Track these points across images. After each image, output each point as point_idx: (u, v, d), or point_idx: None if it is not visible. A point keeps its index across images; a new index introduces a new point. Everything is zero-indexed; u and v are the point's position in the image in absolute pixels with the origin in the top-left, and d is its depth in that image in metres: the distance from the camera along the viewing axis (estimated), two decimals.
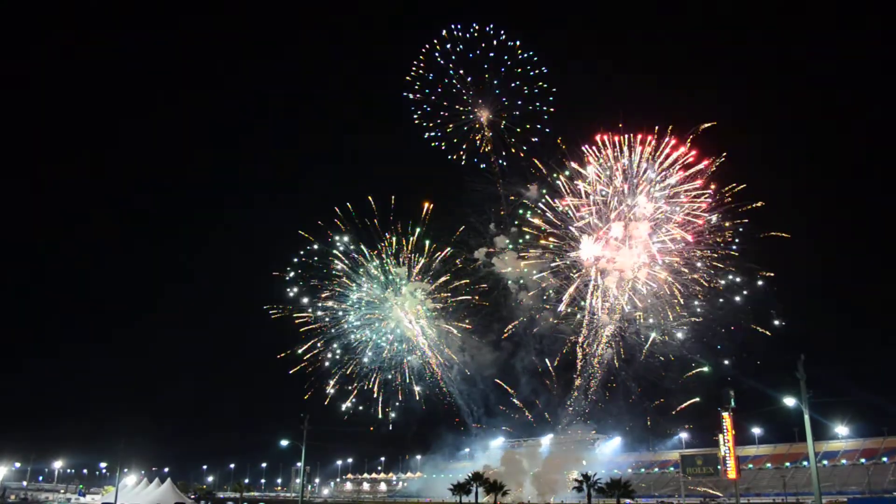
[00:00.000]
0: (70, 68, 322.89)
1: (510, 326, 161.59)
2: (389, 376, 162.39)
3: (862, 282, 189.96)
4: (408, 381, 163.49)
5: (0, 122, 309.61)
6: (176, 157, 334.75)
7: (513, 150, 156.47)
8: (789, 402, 66.87)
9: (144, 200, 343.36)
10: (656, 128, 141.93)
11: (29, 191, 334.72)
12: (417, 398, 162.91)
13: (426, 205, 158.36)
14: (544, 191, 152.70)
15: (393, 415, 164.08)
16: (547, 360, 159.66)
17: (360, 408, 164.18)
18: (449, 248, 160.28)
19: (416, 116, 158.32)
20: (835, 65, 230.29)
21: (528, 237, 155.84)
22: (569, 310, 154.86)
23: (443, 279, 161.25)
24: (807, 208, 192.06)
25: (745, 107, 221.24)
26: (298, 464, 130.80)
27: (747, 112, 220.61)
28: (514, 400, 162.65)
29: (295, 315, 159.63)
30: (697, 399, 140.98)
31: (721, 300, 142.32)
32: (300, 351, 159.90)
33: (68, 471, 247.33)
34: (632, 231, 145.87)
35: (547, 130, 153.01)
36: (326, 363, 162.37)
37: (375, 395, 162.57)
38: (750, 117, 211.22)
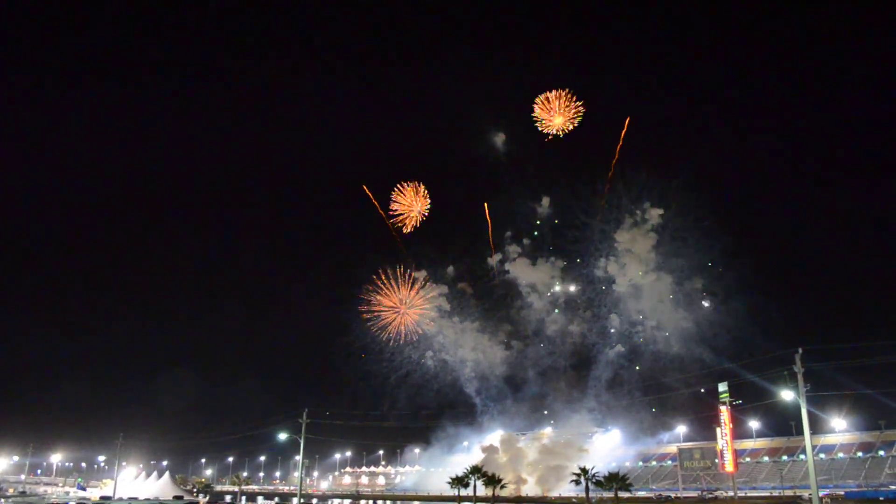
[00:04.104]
0: None
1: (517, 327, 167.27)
2: (404, 372, 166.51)
3: (859, 276, 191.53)
4: (421, 376, 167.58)
5: None
6: None
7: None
8: (787, 395, 67.09)
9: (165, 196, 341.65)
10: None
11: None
12: (429, 393, 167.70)
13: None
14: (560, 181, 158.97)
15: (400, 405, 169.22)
16: (553, 358, 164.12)
17: (370, 400, 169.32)
18: (465, 256, 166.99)
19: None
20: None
21: (540, 246, 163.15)
22: (583, 313, 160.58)
23: (459, 284, 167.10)
24: (802, 207, 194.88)
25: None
26: (297, 457, 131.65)
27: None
28: (521, 394, 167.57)
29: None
30: (697, 392, 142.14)
31: (720, 299, 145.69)
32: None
33: (67, 464, 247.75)
34: (637, 241, 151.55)
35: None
36: (337, 359, 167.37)
37: (387, 390, 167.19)
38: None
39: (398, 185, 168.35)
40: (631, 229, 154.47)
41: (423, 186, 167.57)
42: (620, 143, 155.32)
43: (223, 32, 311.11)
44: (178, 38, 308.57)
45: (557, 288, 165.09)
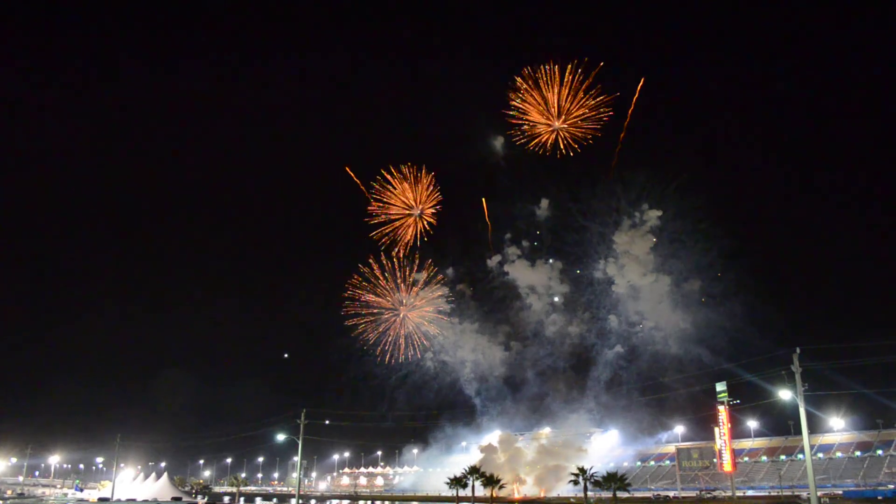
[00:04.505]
0: None
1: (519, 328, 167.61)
2: (403, 373, 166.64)
3: (857, 277, 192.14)
4: (420, 377, 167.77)
5: None
6: None
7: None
8: (785, 395, 67.21)
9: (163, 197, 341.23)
10: None
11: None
12: (429, 393, 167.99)
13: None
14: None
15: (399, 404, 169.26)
16: (553, 358, 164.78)
17: (369, 401, 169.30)
18: (464, 258, 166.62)
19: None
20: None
21: (539, 248, 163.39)
22: (584, 314, 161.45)
23: (459, 285, 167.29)
24: (799, 208, 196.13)
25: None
26: (295, 458, 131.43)
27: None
28: (520, 395, 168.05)
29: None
30: (695, 392, 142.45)
31: (718, 301, 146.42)
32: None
33: (65, 466, 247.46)
34: (636, 243, 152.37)
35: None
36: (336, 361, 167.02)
37: (387, 391, 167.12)
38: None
39: (391, 172, 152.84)
40: (629, 230, 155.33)
41: (425, 173, 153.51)
42: (628, 119, 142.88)
43: (230, 31, 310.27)
44: (173, 30, 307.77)
45: (556, 289, 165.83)
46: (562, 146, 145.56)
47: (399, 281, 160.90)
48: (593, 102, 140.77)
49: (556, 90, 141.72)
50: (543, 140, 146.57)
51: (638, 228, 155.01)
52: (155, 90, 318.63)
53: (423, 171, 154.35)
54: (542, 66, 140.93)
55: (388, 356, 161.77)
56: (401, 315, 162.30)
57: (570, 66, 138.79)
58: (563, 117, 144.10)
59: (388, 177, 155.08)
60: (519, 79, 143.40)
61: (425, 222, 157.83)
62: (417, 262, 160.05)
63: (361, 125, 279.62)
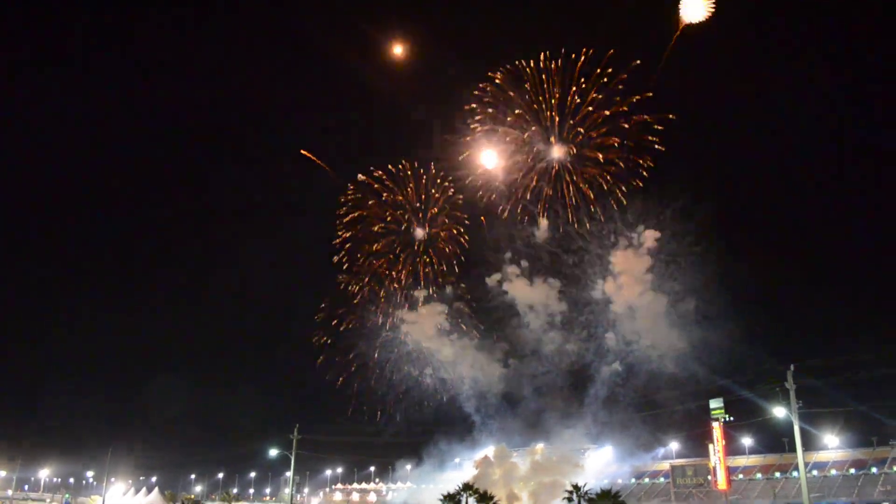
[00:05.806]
0: None
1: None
2: (401, 388, 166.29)
3: (851, 291, 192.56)
4: (418, 393, 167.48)
5: None
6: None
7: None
8: (779, 412, 67.34)
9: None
10: None
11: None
12: (428, 409, 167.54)
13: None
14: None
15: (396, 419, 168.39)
16: (550, 376, 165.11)
17: (365, 416, 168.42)
18: (463, 275, 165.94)
19: None
20: None
21: (538, 268, 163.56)
22: (580, 333, 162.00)
23: (457, 303, 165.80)
24: (795, 222, 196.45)
25: None
26: (287, 473, 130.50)
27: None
28: (516, 411, 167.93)
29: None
30: (690, 409, 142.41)
31: (713, 321, 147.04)
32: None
33: (55, 479, 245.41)
34: (632, 264, 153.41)
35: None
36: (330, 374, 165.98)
37: (383, 408, 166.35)
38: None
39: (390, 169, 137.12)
40: (625, 250, 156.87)
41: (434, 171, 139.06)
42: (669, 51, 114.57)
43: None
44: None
45: (554, 308, 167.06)
46: (569, 189, 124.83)
47: (398, 299, 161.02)
48: (629, 128, 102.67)
49: (553, 100, 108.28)
50: (535, 177, 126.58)
51: (635, 249, 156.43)
52: (142, 83, 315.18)
53: (427, 174, 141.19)
54: (531, 62, 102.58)
55: (390, 372, 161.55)
56: (402, 334, 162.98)
57: (581, 59, 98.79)
58: (572, 144, 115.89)
59: (376, 185, 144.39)
60: (489, 86, 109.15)
61: (435, 255, 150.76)
62: (422, 282, 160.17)
63: (359, 127, 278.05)
